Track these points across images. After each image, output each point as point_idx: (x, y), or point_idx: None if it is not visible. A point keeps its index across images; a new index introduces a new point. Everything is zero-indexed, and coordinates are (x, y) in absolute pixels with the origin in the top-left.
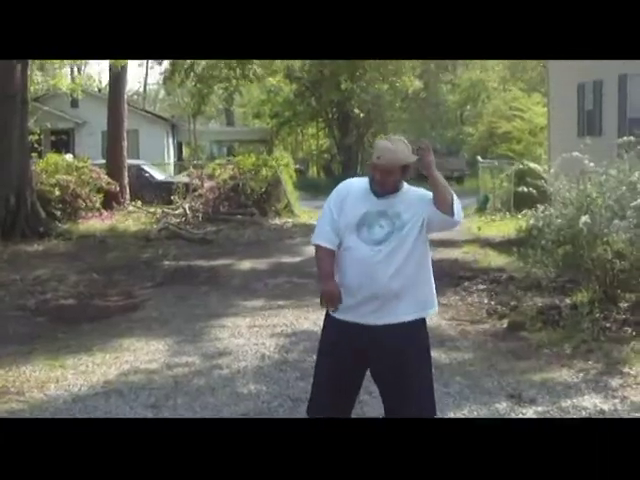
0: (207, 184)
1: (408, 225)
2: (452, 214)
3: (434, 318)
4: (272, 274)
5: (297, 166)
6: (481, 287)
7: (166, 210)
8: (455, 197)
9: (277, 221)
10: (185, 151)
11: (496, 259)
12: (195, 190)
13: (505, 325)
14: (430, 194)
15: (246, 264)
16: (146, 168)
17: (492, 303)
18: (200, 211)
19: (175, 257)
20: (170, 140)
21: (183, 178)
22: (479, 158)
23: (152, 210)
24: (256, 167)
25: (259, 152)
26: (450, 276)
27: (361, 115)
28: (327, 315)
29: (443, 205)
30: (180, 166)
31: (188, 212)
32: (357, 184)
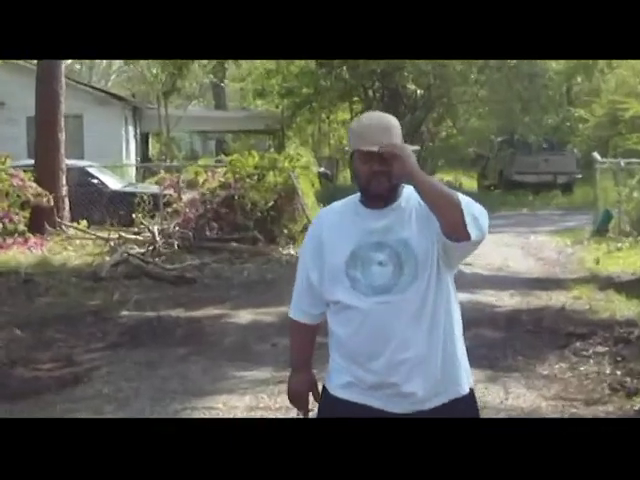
0: (187, 196)
1: (421, 255)
2: (466, 234)
3: (529, 397)
4: (283, 330)
5: (321, 169)
6: (600, 349)
7: (125, 235)
8: (466, 201)
9: (292, 251)
10: (153, 147)
11: (623, 307)
12: (169, 205)
13: (638, 407)
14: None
15: (245, 315)
16: (94, 172)
17: (617, 374)
18: (176, 236)
19: (138, 305)
20: (130, 130)
21: (150, 187)
22: (596, 156)
23: (104, 235)
24: (260, 171)
25: (264, 148)
26: (554, 333)
27: (418, 92)
28: (323, 389)
29: (447, 224)
30: (146, 169)
31: (158, 238)
32: (335, 210)
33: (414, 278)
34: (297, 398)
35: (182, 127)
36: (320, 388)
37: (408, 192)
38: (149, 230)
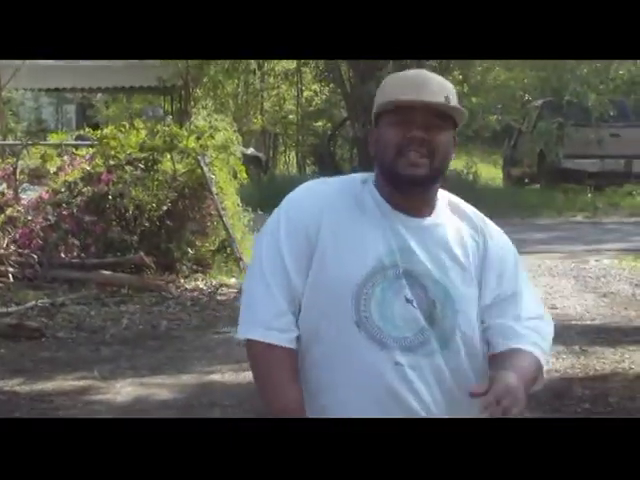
0: (29, 195)
1: (465, 311)
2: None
3: None
4: (183, 413)
5: (249, 150)
6: None
7: None
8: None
9: (200, 283)
10: None
11: None
12: (0, 210)
13: None
14: (496, 234)
15: (123, 390)
16: None
17: None
18: (11, 261)
19: None
20: None
21: None
22: None
23: None
24: (149, 154)
25: (156, 118)
26: (626, 415)
27: None
28: None
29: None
30: None
31: None
32: (338, 191)
33: (447, 341)
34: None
35: (22, 82)
36: None
37: (445, 202)
38: None
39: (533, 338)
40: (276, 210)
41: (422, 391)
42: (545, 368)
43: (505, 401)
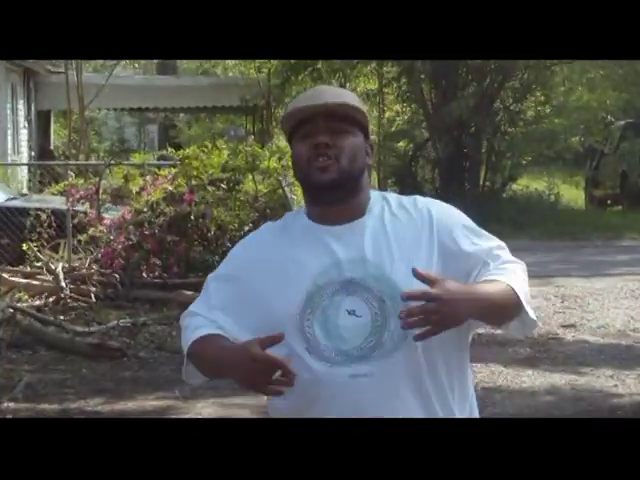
0: (111, 216)
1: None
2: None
3: None
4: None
5: None
6: None
7: (10, 277)
8: (519, 281)
9: None
10: (57, 134)
11: None
12: (82, 230)
13: None
14: (436, 207)
15: (204, 410)
16: None
17: None
18: (94, 280)
19: (31, 391)
20: (20, 107)
21: (52, 200)
22: None
23: None
24: (231, 174)
25: (238, 138)
26: None
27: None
28: None
29: (504, 325)
30: (46, 171)
31: (64, 283)
32: (269, 231)
33: (402, 338)
34: (273, 363)
35: (106, 102)
36: None
37: (379, 197)
38: (49, 270)
39: (512, 278)
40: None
41: (384, 396)
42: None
43: (434, 316)
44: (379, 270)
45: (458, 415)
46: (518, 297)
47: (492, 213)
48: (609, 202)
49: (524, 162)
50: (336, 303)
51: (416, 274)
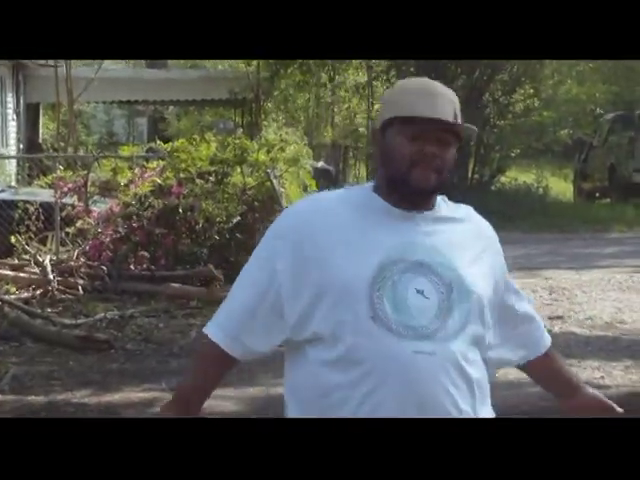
0: (99, 208)
1: (478, 297)
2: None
3: None
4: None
5: (320, 164)
6: None
7: None
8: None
9: None
10: (46, 127)
11: None
12: (70, 223)
13: None
14: (489, 227)
15: None
16: None
17: None
18: (81, 273)
19: (18, 383)
20: (10, 99)
21: (40, 193)
22: None
23: None
24: (220, 167)
25: (227, 131)
26: None
27: None
28: None
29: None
30: (34, 164)
31: (52, 275)
32: (334, 200)
33: (462, 326)
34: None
35: (94, 95)
36: None
37: (441, 200)
38: (37, 263)
39: (542, 330)
40: (267, 231)
41: (442, 376)
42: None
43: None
44: (448, 261)
45: (485, 410)
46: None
47: (480, 206)
48: (597, 195)
49: (513, 155)
50: (406, 280)
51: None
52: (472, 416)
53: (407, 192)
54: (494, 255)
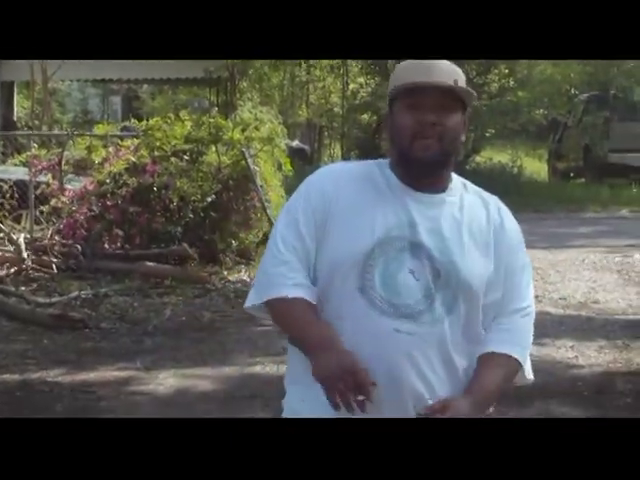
0: (73, 186)
1: (467, 284)
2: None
3: None
4: (224, 404)
5: (295, 143)
6: None
7: None
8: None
9: (243, 275)
10: (20, 105)
11: None
12: (45, 201)
13: None
14: (510, 220)
15: (166, 382)
16: None
17: None
18: (55, 251)
19: None
20: None
21: (14, 171)
22: None
23: None
24: (194, 146)
25: (201, 109)
26: None
27: None
28: None
29: None
30: (8, 142)
31: (25, 254)
32: (355, 172)
33: (449, 311)
34: (362, 378)
35: (69, 73)
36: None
37: (458, 181)
38: (11, 241)
39: (516, 338)
40: (297, 190)
41: (419, 358)
42: (526, 365)
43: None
44: (445, 245)
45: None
46: (520, 369)
47: None
48: (572, 175)
49: (488, 135)
50: (401, 259)
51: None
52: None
53: (410, 164)
54: (501, 240)
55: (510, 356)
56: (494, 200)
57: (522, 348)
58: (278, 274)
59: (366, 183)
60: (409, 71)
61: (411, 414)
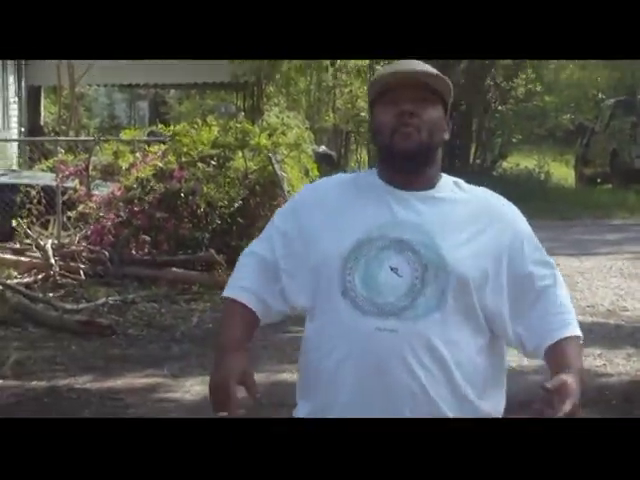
0: (101, 192)
1: (457, 281)
2: None
3: None
4: (251, 412)
5: (321, 148)
6: None
7: None
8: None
9: None
10: (48, 111)
11: None
12: (72, 207)
13: None
14: (510, 211)
15: (193, 388)
16: None
17: None
18: (83, 257)
19: (20, 369)
20: (11, 81)
21: (41, 176)
22: None
23: None
24: (221, 151)
25: (228, 114)
26: None
27: None
28: None
29: None
30: (36, 147)
31: (53, 260)
32: (337, 182)
33: (436, 306)
34: (223, 395)
35: (96, 78)
36: None
37: (449, 180)
38: (38, 247)
39: (570, 318)
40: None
41: (405, 353)
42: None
43: (566, 405)
44: (431, 239)
45: (476, 402)
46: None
47: None
48: (599, 180)
49: (514, 140)
50: (382, 257)
51: (546, 389)
52: (450, 402)
53: (394, 157)
54: (503, 230)
55: (573, 336)
56: (491, 196)
57: (573, 321)
58: (233, 277)
59: (349, 189)
60: (386, 71)
61: (404, 412)
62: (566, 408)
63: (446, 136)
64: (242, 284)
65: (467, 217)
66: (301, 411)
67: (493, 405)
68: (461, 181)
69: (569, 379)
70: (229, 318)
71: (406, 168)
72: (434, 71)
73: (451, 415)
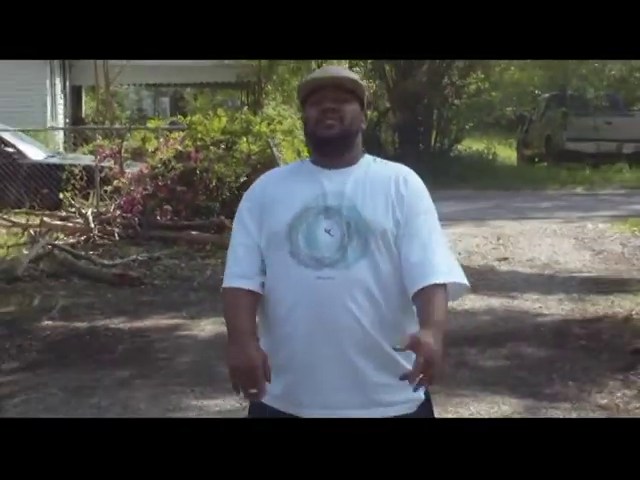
0: (131, 170)
1: (373, 231)
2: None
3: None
4: None
5: None
6: None
7: (49, 221)
8: (452, 275)
9: None
10: (88, 105)
11: None
12: (107, 182)
13: None
14: (413, 179)
15: (207, 327)
16: (9, 139)
17: None
18: (117, 223)
19: (66, 313)
20: (57, 83)
21: (83, 158)
22: None
23: (20, 221)
24: (229, 137)
25: (234, 107)
26: (616, 351)
27: None
28: (251, 405)
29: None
30: (78, 135)
31: (93, 225)
32: (281, 170)
33: (362, 255)
34: (254, 374)
35: (126, 79)
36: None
37: (368, 159)
38: (81, 214)
39: (428, 267)
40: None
41: (342, 295)
42: (454, 277)
43: (428, 374)
44: (352, 203)
45: (400, 327)
46: (446, 289)
47: (442, 169)
48: (536, 160)
49: (467, 127)
50: (318, 222)
51: (398, 349)
52: (379, 329)
53: (319, 143)
54: (402, 193)
55: (434, 284)
56: (400, 168)
57: (439, 273)
58: (227, 270)
59: (291, 174)
60: (312, 77)
61: (346, 349)
62: (419, 366)
63: (363, 125)
64: (237, 272)
65: (380, 183)
66: (264, 344)
67: (411, 329)
68: (379, 159)
69: (422, 337)
70: (236, 309)
71: (330, 150)
72: (352, 76)
73: (382, 340)
